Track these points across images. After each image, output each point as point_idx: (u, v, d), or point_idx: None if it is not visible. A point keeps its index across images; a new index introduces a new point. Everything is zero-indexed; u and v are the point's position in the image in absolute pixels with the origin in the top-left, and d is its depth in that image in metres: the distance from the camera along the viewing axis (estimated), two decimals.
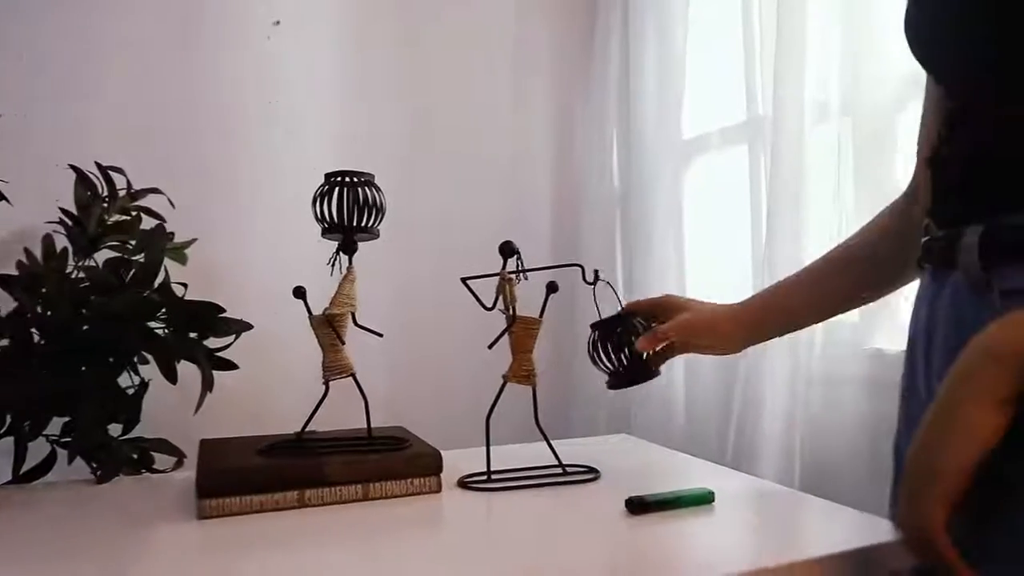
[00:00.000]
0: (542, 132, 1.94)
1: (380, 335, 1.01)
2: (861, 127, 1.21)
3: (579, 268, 1.01)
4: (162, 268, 1.12)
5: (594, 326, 1.02)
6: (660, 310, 1.01)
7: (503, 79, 1.89)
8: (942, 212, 0.68)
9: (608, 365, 1.01)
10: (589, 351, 1.02)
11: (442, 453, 0.97)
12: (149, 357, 1.11)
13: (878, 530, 0.80)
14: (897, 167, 1.17)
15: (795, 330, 1.02)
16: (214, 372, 1.12)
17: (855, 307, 0.96)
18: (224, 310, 1.12)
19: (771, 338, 1.01)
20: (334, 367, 0.98)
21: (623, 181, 1.82)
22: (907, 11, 0.72)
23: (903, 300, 1.14)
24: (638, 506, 0.85)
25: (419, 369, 1.74)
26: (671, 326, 0.97)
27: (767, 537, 0.83)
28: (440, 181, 1.79)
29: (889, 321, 1.17)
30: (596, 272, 1.00)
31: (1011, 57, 0.58)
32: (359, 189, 0.97)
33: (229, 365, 1.14)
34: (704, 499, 0.89)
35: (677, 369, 1.56)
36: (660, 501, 0.86)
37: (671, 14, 1.64)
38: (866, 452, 1.15)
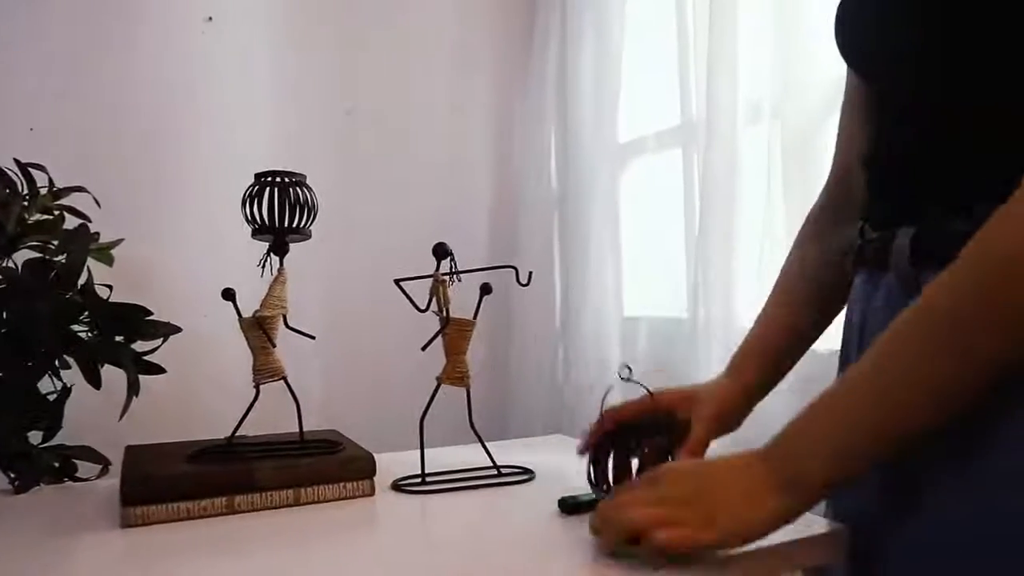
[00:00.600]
0: (480, 134, 1.94)
1: (312, 337, 0.99)
2: (791, 130, 1.24)
3: (513, 270, 1.01)
4: (85, 269, 1.08)
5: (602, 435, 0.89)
6: (678, 410, 0.89)
7: (441, 81, 1.89)
8: (875, 214, 0.70)
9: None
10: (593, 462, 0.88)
11: (377, 456, 0.96)
12: (71, 361, 1.08)
13: (796, 527, 0.82)
14: (825, 169, 1.20)
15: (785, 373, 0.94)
16: (141, 376, 1.09)
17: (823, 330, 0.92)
18: (151, 312, 1.09)
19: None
20: (265, 370, 0.96)
21: (561, 183, 1.83)
22: (837, 20, 0.74)
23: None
24: (572, 506, 0.85)
25: (354, 371, 1.72)
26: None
27: None
28: (376, 182, 1.78)
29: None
30: (530, 274, 1.00)
31: (937, 61, 0.60)
32: (290, 189, 0.96)
33: (156, 369, 1.10)
34: None
35: (612, 371, 1.57)
36: (593, 501, 0.87)
37: (608, 18, 1.66)
38: None
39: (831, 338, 1.17)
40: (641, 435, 0.85)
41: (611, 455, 0.85)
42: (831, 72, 1.16)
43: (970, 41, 0.57)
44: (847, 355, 0.74)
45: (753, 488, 0.60)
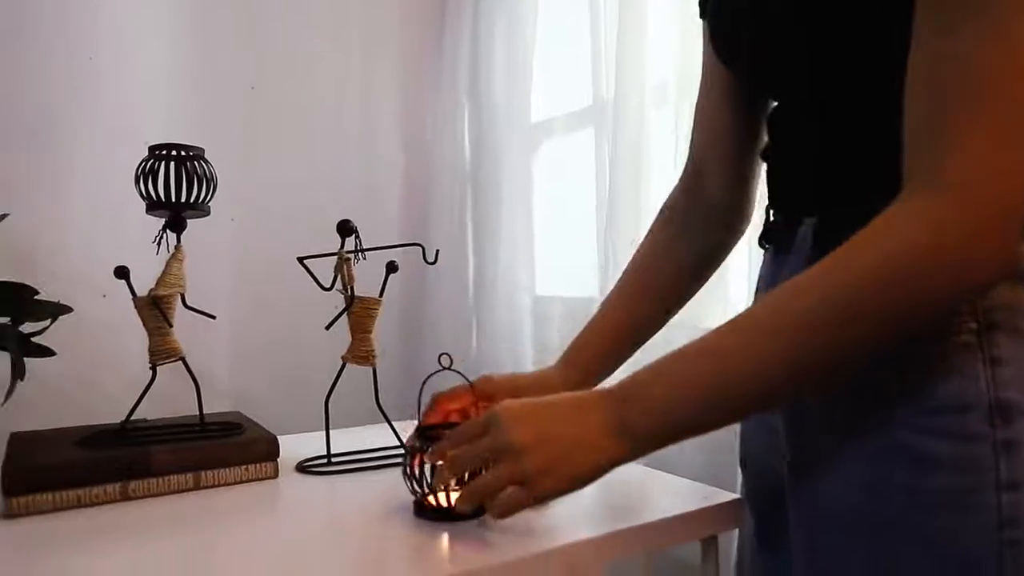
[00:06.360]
0: (391, 111, 1.91)
1: (212, 317, 0.96)
2: None
3: (420, 248, 1.00)
4: None
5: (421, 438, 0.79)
6: (481, 401, 0.86)
7: (352, 56, 1.84)
8: (779, 200, 0.72)
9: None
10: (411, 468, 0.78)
11: (282, 438, 0.95)
12: None
13: (699, 496, 0.85)
14: None
15: (622, 363, 0.91)
16: (29, 360, 1.03)
17: (670, 318, 0.90)
18: (37, 292, 1.03)
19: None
20: (161, 351, 0.93)
21: (473, 161, 1.82)
22: (711, 22, 0.74)
23: (731, 281, 1.20)
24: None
25: (259, 352, 1.68)
26: None
27: (606, 507, 0.86)
28: (282, 159, 1.73)
29: (719, 301, 1.23)
30: (436, 252, 0.99)
31: (826, 60, 0.61)
32: (187, 163, 0.92)
33: (44, 351, 1.04)
34: None
35: (526, 346, 1.58)
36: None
37: None
38: None
39: (727, 318, 1.21)
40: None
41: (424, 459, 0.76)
42: None
43: (842, 39, 0.59)
44: None
45: (587, 435, 0.60)
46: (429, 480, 0.75)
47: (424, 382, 0.83)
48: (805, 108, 0.66)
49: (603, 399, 0.61)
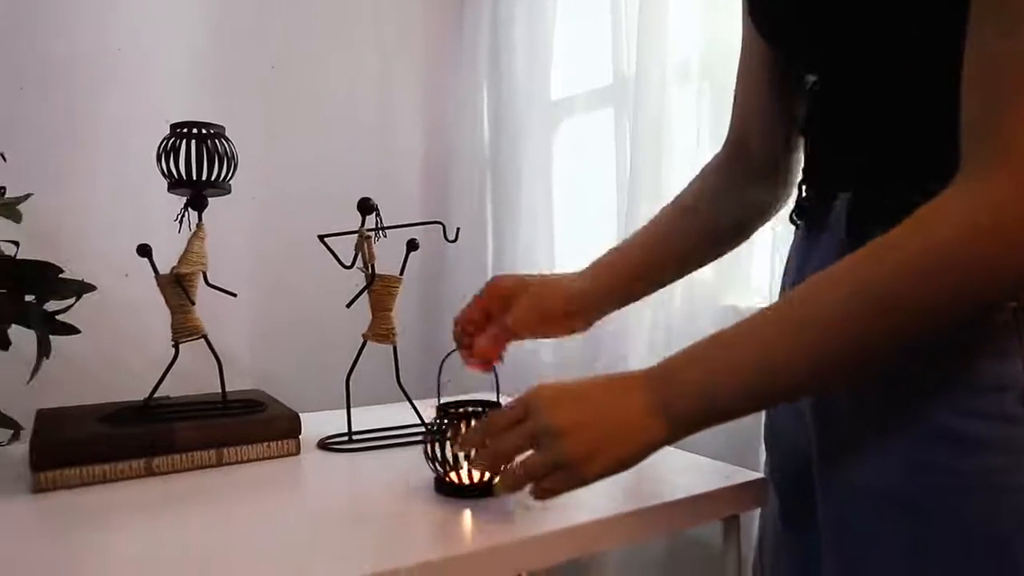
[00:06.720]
0: (412, 89, 1.90)
1: (234, 295, 0.96)
2: (719, 89, 1.24)
3: (440, 226, 1.00)
4: None
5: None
6: (495, 305, 0.84)
7: (371, 34, 1.84)
8: (813, 175, 0.71)
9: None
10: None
11: (304, 415, 0.95)
12: None
13: (721, 476, 0.84)
14: None
15: (633, 301, 0.90)
16: (54, 337, 1.04)
17: (690, 271, 0.89)
18: (61, 270, 1.03)
19: (610, 312, 0.89)
20: (183, 329, 0.93)
21: (493, 139, 1.81)
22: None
23: (754, 260, 1.19)
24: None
25: (280, 330, 1.69)
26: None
27: (626, 486, 0.85)
28: (303, 137, 1.73)
29: (742, 280, 1.23)
30: (457, 230, 0.99)
31: (867, 38, 0.60)
32: (208, 141, 0.92)
33: (69, 329, 1.06)
34: None
35: None
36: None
37: None
38: None
39: (749, 296, 1.20)
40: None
41: (447, 437, 0.76)
42: None
43: (886, 18, 0.58)
44: None
45: (629, 416, 0.59)
46: (450, 458, 0.75)
47: (443, 360, 0.84)
48: (846, 83, 0.65)
49: (642, 379, 0.61)
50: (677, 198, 0.87)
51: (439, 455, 0.76)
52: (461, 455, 0.74)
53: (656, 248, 0.86)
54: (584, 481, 0.61)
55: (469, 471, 0.75)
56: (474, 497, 0.75)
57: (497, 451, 0.64)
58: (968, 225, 0.48)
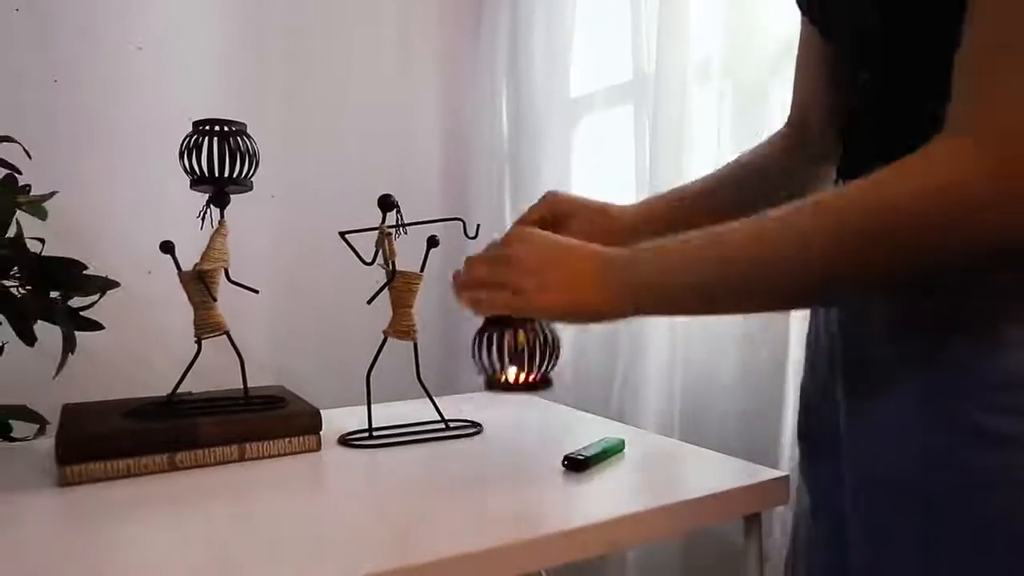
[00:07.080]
0: (431, 86, 1.90)
1: (256, 291, 0.97)
2: (741, 87, 1.23)
3: (460, 223, 1.00)
4: (15, 222, 1.04)
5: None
6: (550, 218, 0.89)
7: (390, 31, 1.84)
8: (848, 170, 0.70)
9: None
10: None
11: (325, 411, 0.96)
12: (2, 318, 1.04)
13: (743, 474, 0.84)
14: (774, 126, 1.20)
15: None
16: (79, 333, 1.05)
17: None
18: (86, 266, 1.05)
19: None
20: (206, 325, 0.94)
21: (512, 136, 1.81)
22: None
23: None
24: (580, 463, 0.84)
25: (300, 326, 1.70)
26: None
27: (647, 483, 0.85)
28: (323, 133, 1.73)
29: None
30: (477, 227, 0.99)
31: (911, 28, 0.60)
32: (230, 139, 0.92)
33: (93, 325, 1.07)
34: (620, 449, 0.92)
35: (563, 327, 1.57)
36: (595, 455, 0.87)
37: None
38: (741, 399, 1.20)
39: None
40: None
41: (494, 344, 0.80)
42: (780, 31, 1.15)
43: (921, 22, 0.57)
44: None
45: (583, 280, 0.65)
46: (498, 360, 0.78)
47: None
48: (891, 80, 0.65)
49: (609, 259, 0.65)
50: (743, 159, 0.88)
51: (486, 362, 0.79)
52: (507, 358, 0.78)
53: (723, 195, 0.87)
54: (531, 310, 0.68)
55: (516, 372, 0.79)
56: (521, 392, 0.79)
57: (468, 276, 0.72)
58: (958, 171, 0.49)
